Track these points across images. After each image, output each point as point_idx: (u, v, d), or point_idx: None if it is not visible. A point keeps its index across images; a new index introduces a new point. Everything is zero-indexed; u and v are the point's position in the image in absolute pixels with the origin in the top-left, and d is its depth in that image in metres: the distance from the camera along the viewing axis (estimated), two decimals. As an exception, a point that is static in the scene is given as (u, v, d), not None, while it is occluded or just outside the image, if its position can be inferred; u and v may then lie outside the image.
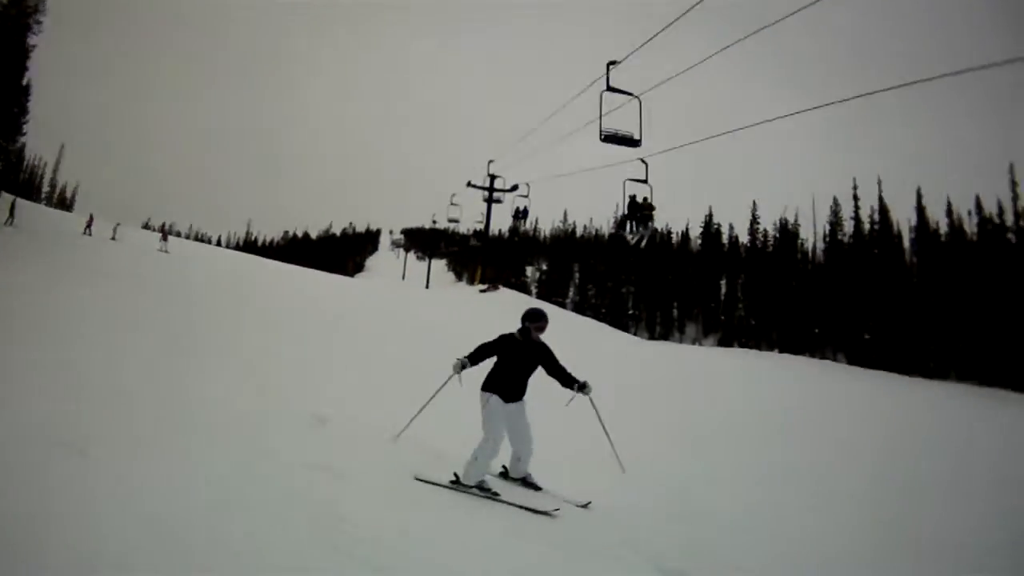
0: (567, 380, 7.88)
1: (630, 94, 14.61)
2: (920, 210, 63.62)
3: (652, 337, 74.76)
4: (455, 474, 7.61)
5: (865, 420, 21.09)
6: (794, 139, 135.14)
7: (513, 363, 7.78)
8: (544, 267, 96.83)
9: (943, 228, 62.38)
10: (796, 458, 12.52)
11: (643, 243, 19.31)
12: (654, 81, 13.69)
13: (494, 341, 7.78)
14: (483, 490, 7.46)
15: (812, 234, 70.77)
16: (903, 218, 65.28)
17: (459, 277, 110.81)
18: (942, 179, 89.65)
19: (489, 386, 7.71)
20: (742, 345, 68.37)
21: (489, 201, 43.38)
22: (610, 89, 14.56)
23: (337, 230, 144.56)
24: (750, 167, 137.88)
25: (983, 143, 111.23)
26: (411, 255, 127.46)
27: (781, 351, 63.35)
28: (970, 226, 61.02)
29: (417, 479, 7.53)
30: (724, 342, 71.91)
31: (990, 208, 59.70)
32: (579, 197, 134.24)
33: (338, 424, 9.24)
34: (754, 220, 77.17)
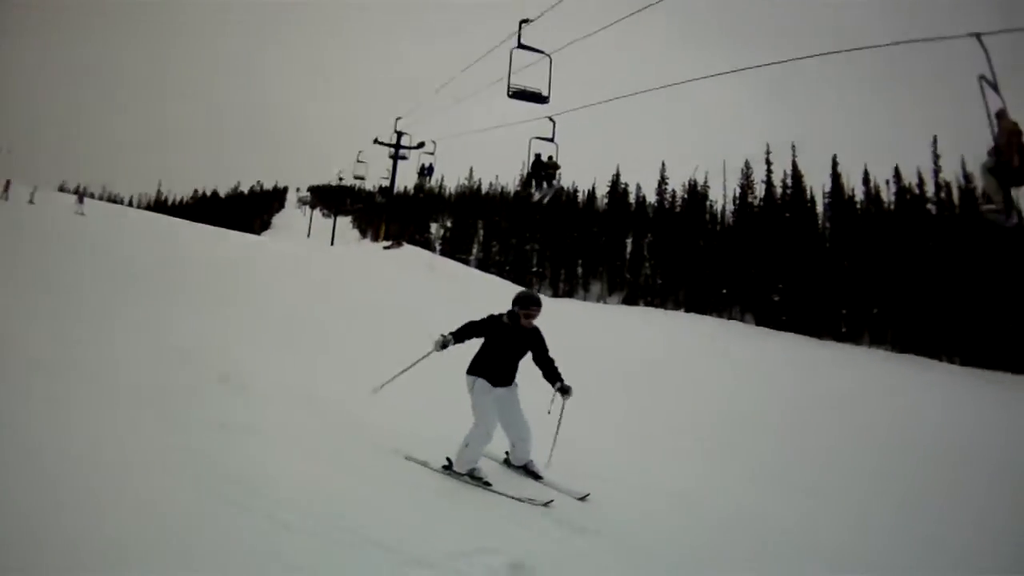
0: (551, 374, 7.50)
1: (541, 52, 14.46)
2: (835, 177, 64.44)
3: (556, 295, 73.88)
4: (448, 459, 7.36)
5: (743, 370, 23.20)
6: (715, 102, 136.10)
7: (500, 347, 7.38)
8: (448, 224, 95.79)
9: (859, 196, 63.75)
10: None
11: (546, 200, 19.46)
12: (569, 40, 13.79)
13: (481, 321, 7.37)
14: (474, 478, 7.18)
15: (722, 196, 71.28)
16: (821, 185, 65.66)
17: (363, 234, 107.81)
18: (867, 149, 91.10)
19: (475, 369, 7.34)
20: (647, 304, 68.45)
21: (395, 158, 42.62)
22: (521, 47, 14.36)
23: (245, 188, 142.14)
24: (668, 129, 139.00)
25: (910, 115, 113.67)
26: (317, 213, 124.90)
27: (687, 310, 63.78)
28: (888, 195, 62.55)
29: (408, 458, 7.44)
30: (629, 300, 71.76)
31: (910, 179, 61.18)
32: (488, 156, 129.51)
33: (245, 383, 8.80)
34: (662, 180, 77.24)
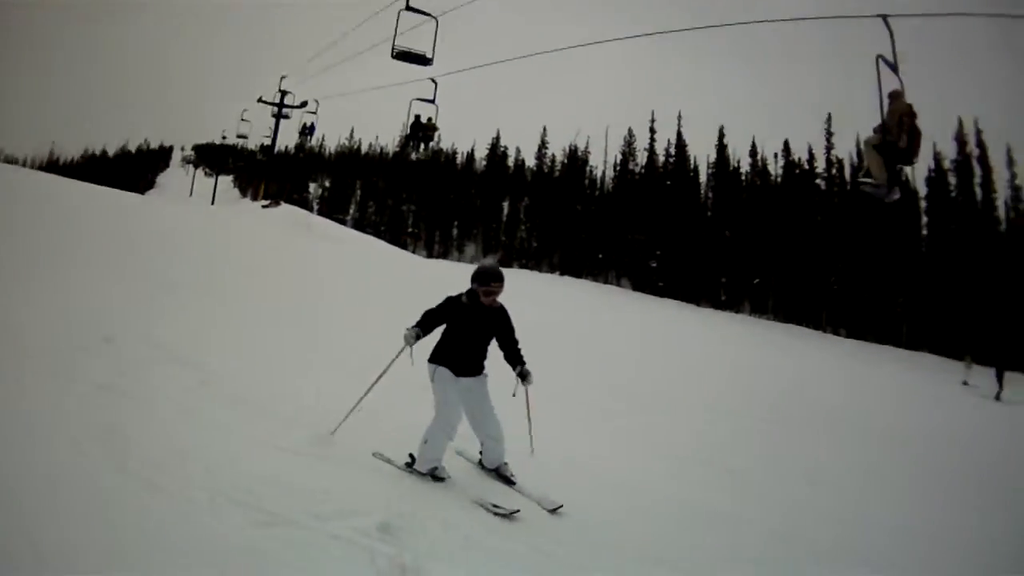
0: (513, 357, 6.94)
1: (428, 15, 14.61)
2: (720, 148, 64.85)
3: (431, 256, 72.51)
4: (410, 455, 6.76)
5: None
6: (605, 69, 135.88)
7: (462, 331, 6.70)
8: (327, 184, 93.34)
9: (745, 167, 64.41)
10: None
11: (423, 158, 18.88)
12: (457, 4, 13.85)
13: (439, 306, 6.68)
14: (436, 479, 6.60)
15: (603, 163, 70.69)
16: (706, 155, 66.54)
17: (244, 193, 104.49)
18: (759, 123, 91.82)
19: (436, 357, 6.70)
20: (522, 266, 67.90)
21: (278, 117, 42.04)
22: (409, 9, 14.57)
23: (134, 147, 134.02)
24: (555, 96, 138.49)
25: (807, 92, 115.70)
26: (201, 172, 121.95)
27: (562, 273, 63.81)
28: (776, 169, 63.24)
29: (375, 455, 6.86)
30: (504, 262, 67.09)
31: (800, 154, 62.15)
32: (372, 117, 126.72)
33: (124, 344, 8.53)
34: (543, 145, 76.29)
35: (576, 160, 73.14)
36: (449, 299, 6.62)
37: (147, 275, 14.39)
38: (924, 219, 57.18)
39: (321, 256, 25.77)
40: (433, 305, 6.66)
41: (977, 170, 55.73)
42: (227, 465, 5.53)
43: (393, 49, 15.11)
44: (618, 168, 69.06)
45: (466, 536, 5.32)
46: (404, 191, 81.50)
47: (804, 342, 43.03)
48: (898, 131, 8.23)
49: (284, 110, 42.08)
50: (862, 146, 8.78)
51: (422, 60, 15.42)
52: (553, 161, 75.66)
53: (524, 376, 6.84)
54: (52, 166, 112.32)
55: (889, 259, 53.04)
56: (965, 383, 31.46)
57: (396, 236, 72.28)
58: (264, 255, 22.70)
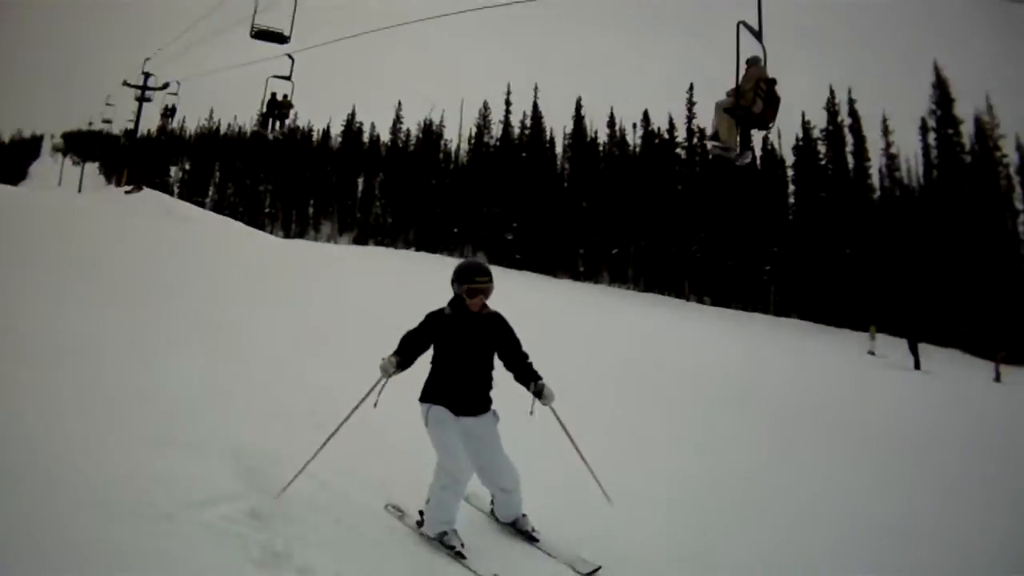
0: (524, 373, 5.25)
1: None
2: (578, 119, 64.56)
3: (288, 235, 69.00)
4: (420, 512, 5.25)
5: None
6: (461, 41, 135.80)
7: (452, 353, 5.15)
8: (187, 167, 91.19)
9: (603, 138, 64.24)
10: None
11: (279, 137, 21.21)
12: None
13: (419, 326, 5.14)
14: (446, 546, 4.96)
15: (458, 136, 69.87)
16: (563, 127, 66.51)
17: (109, 180, 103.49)
18: (621, 94, 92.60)
19: (428, 394, 5.14)
20: (378, 243, 66.86)
21: (140, 100, 40.40)
22: None
23: (7, 137, 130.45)
24: (412, 70, 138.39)
25: (672, 62, 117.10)
26: (68, 160, 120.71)
27: (417, 249, 62.27)
28: (634, 139, 63.31)
29: (388, 509, 5.48)
30: (359, 240, 69.89)
31: (661, 123, 62.30)
32: (232, 97, 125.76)
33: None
34: (397, 119, 75.56)
35: (431, 134, 72.20)
36: (430, 315, 5.18)
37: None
38: (792, 188, 58.59)
39: (174, 238, 23.49)
40: (413, 326, 5.21)
41: (849, 139, 57.15)
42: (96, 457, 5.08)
43: (252, 28, 15.03)
44: (473, 141, 68.19)
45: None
46: (261, 171, 79.77)
47: (675, 311, 42.25)
48: (753, 95, 8.17)
49: (147, 93, 40.47)
50: (713, 109, 8.24)
51: (279, 38, 15.34)
52: (408, 136, 74.74)
53: (540, 392, 5.18)
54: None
55: (755, 227, 53.78)
56: (872, 353, 31.93)
57: (254, 217, 70.04)
58: (116, 240, 20.73)
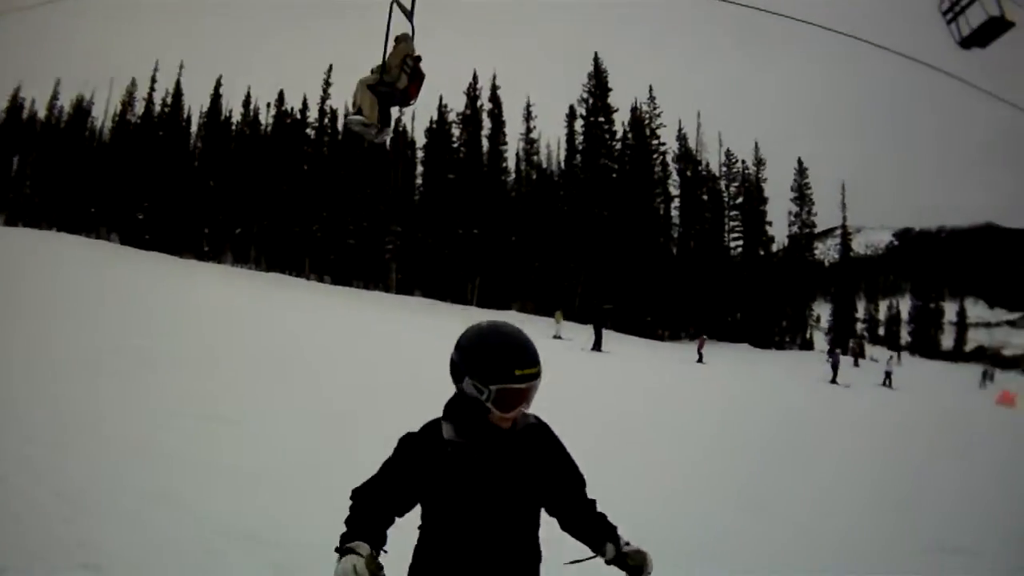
0: (593, 526, 2.82)
1: None
2: (215, 98, 64.35)
3: None
4: None
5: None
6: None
7: (464, 513, 2.56)
8: None
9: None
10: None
11: None
12: None
13: (385, 470, 2.56)
14: None
15: (104, 114, 66.81)
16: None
17: None
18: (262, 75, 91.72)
19: None
20: (27, 224, 60.82)
21: None
22: None
23: None
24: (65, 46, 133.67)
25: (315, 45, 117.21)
26: None
27: (58, 230, 58.75)
28: (267, 118, 63.87)
29: None
30: (10, 222, 64.04)
31: (295, 104, 63.13)
32: None
33: None
34: (55, 97, 70.38)
35: (81, 112, 68.92)
36: (408, 443, 2.61)
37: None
38: (420, 169, 60.60)
39: None
40: (365, 474, 2.65)
41: (487, 124, 59.15)
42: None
43: None
44: (117, 119, 65.95)
45: None
46: None
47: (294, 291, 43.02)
48: (399, 72, 8.06)
49: None
50: (355, 85, 8.07)
51: None
52: (61, 113, 70.48)
53: (627, 562, 2.68)
54: None
55: (380, 207, 56.00)
56: (557, 337, 33.79)
57: None
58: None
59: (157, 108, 64.21)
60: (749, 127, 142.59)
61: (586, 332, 33.56)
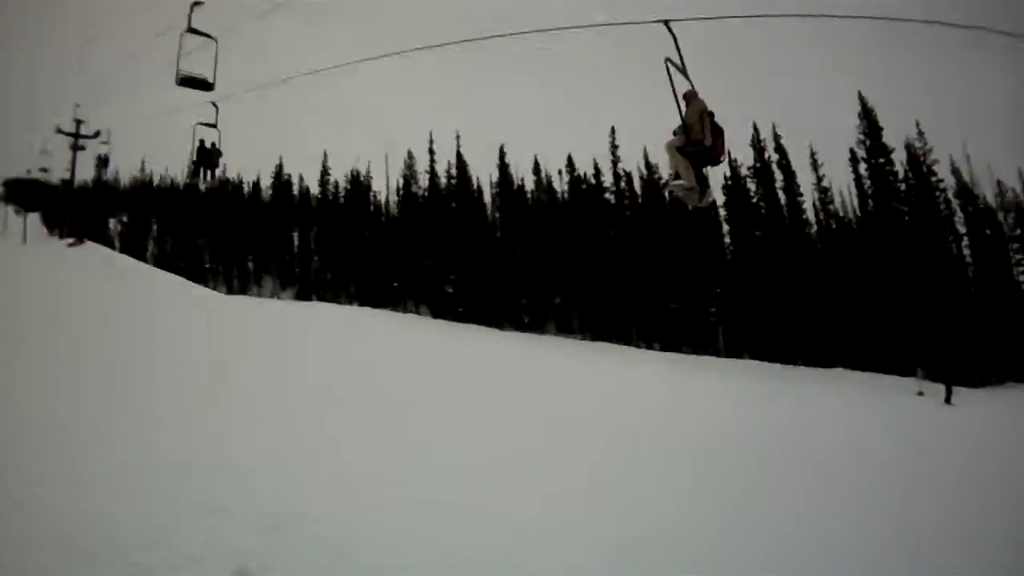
0: None
1: (209, 36, 14.00)
2: (502, 167, 64.36)
3: (230, 291, 69.54)
4: None
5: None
6: (375, 91, 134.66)
7: None
8: (125, 219, 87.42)
9: (529, 184, 64.16)
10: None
11: (213, 187, 18.66)
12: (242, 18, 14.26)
13: None
14: None
15: (385, 187, 69.07)
16: (488, 174, 66.70)
17: (51, 231, 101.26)
18: (541, 139, 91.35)
19: None
20: (320, 298, 66.09)
21: (74, 148, 41.24)
22: (191, 31, 13.80)
23: None
24: (331, 117, 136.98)
25: (589, 104, 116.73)
26: (10, 209, 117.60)
27: (361, 304, 61.84)
28: (561, 185, 63.20)
29: None
30: (302, 296, 68.95)
31: (585, 168, 62.50)
32: (163, 143, 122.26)
33: None
34: (325, 171, 74.87)
35: (360, 186, 71.63)
36: None
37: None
38: (726, 227, 58.06)
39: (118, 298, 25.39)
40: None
41: (779, 176, 56.91)
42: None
43: (177, 75, 14.55)
44: (401, 192, 67.72)
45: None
46: (197, 223, 77.40)
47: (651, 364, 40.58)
48: (701, 129, 8.04)
49: (81, 141, 41.21)
50: (665, 151, 8.12)
51: (204, 85, 14.86)
52: (337, 188, 74.03)
53: None
54: None
55: (694, 269, 53.75)
56: (920, 394, 32.87)
57: (195, 272, 68.50)
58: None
59: (443, 180, 64.95)
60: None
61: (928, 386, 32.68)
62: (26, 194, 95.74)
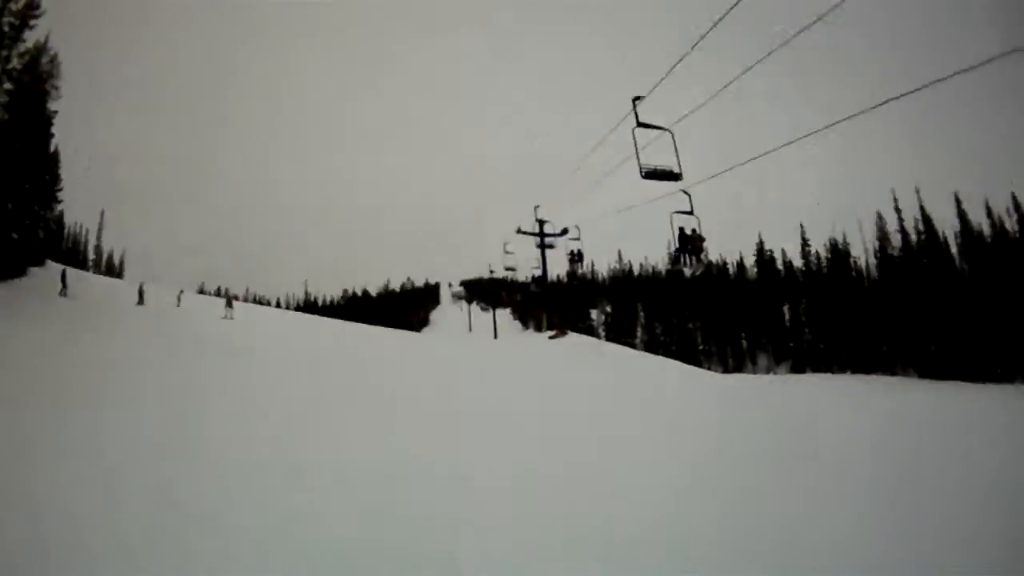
0: None
1: (662, 128, 14.58)
2: (962, 216, 60.81)
3: (726, 370, 72.72)
4: None
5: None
6: (806, 161, 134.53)
7: None
8: (608, 309, 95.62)
9: (985, 230, 59.71)
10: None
11: (697, 273, 18.55)
12: (679, 107, 14.06)
13: None
14: None
15: (863, 251, 68.80)
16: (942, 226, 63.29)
17: (525, 325, 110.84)
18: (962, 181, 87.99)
19: None
20: (815, 370, 66.35)
21: (542, 247, 42.35)
22: (640, 125, 14.43)
23: (396, 286, 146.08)
24: (770, 192, 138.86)
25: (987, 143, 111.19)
26: (475, 307, 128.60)
27: (853, 372, 61.41)
28: (1012, 224, 58.40)
29: None
30: (796, 368, 70.00)
31: None
32: (631, 232, 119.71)
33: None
34: (805, 243, 75.45)
35: (839, 253, 71.68)
36: None
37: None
38: None
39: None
40: None
41: None
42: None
43: (640, 170, 14.90)
44: (879, 255, 66.62)
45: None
46: (685, 308, 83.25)
47: None
48: None
49: (547, 239, 42.35)
50: None
51: (671, 176, 15.19)
52: (818, 258, 74.69)
53: None
54: (310, 306, 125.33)
55: None
56: None
57: (688, 355, 73.59)
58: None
59: (912, 236, 63.61)
60: None
61: None
62: (487, 292, 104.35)
